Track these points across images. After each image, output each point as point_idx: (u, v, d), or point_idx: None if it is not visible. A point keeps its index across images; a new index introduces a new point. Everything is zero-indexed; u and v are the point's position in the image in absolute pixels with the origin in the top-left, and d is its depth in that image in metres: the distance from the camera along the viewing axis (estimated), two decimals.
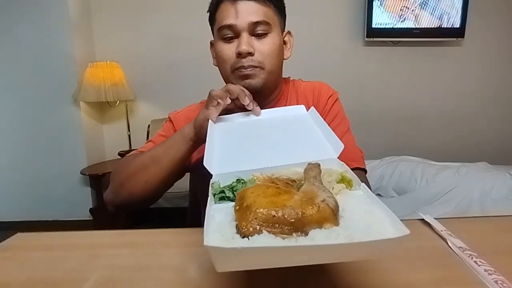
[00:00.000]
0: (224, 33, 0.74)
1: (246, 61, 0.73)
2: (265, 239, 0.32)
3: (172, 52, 2.57)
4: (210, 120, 0.63)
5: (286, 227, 0.34)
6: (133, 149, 2.76)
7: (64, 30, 2.33)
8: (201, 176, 0.60)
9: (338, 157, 0.51)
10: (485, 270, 0.46)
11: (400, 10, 2.40)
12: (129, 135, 2.60)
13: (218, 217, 0.38)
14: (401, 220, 0.33)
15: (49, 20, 2.32)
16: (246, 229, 0.34)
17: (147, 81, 2.61)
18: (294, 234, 0.34)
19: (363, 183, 0.44)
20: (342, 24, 2.54)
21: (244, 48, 0.72)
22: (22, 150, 2.50)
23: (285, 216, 0.34)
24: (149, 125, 2.55)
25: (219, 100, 0.65)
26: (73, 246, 0.61)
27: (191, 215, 1.07)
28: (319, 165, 0.45)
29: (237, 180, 0.46)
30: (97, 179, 2.36)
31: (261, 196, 0.36)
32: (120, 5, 2.53)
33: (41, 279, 0.50)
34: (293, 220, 0.34)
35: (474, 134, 2.67)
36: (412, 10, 2.40)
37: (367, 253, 0.34)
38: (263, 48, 0.74)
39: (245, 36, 0.73)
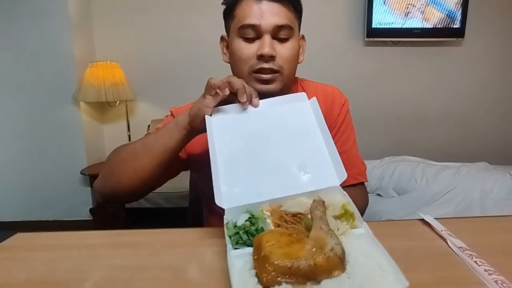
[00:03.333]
0: (246, 32, 0.72)
1: (267, 65, 0.71)
2: None
3: (172, 52, 2.57)
4: (206, 118, 0.60)
5: (301, 278, 0.39)
6: None
7: (64, 30, 2.33)
8: (204, 176, 0.62)
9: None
10: (485, 270, 0.46)
11: (406, 8, 2.39)
12: (129, 135, 2.60)
13: (238, 264, 0.44)
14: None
15: (49, 20, 2.32)
16: (266, 280, 0.39)
17: (147, 81, 2.61)
18: (308, 283, 0.39)
19: (364, 222, 0.49)
20: (342, 24, 2.54)
21: (267, 51, 0.70)
22: (22, 150, 2.50)
23: (300, 268, 0.39)
24: (149, 125, 2.55)
25: (218, 90, 0.62)
26: (73, 246, 0.61)
27: (191, 215, 1.07)
28: (324, 202, 0.49)
29: (249, 218, 0.50)
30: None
31: (276, 247, 0.42)
32: (120, 5, 2.53)
33: (41, 279, 0.50)
34: (306, 271, 0.39)
35: (474, 134, 2.66)
36: (413, 10, 2.40)
37: None
38: (284, 53, 0.73)
39: (268, 38, 0.71)
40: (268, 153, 0.58)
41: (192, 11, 2.49)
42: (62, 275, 0.51)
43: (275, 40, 0.72)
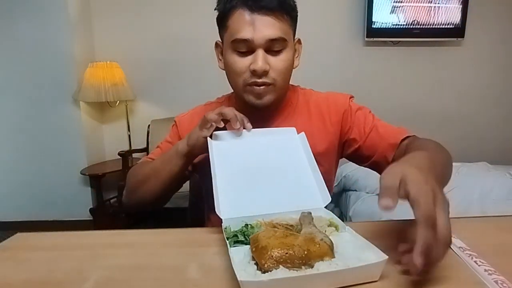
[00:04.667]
0: (239, 46, 0.71)
1: (260, 79, 0.72)
2: (282, 272, 0.42)
3: (172, 52, 2.57)
4: (208, 140, 0.66)
5: (297, 262, 0.43)
6: (133, 149, 2.75)
7: (64, 30, 2.34)
8: (206, 176, 0.65)
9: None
10: (485, 270, 0.46)
11: (406, 7, 2.40)
12: (129, 135, 2.60)
13: (237, 258, 0.47)
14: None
15: (49, 20, 2.32)
16: (266, 266, 0.43)
17: (147, 81, 2.61)
18: (303, 267, 0.43)
19: (347, 226, 0.53)
20: (342, 24, 2.55)
21: (260, 66, 0.70)
22: (22, 150, 2.50)
23: (295, 253, 0.44)
24: (149, 125, 2.55)
25: (213, 123, 0.67)
26: (73, 246, 0.61)
27: (191, 215, 1.07)
28: (311, 213, 0.55)
29: (245, 225, 0.55)
30: (97, 179, 2.36)
31: (273, 239, 0.46)
32: (120, 5, 2.53)
33: (41, 279, 0.50)
34: (301, 256, 0.44)
35: (474, 134, 2.66)
36: (412, 10, 2.40)
37: (360, 275, 0.44)
38: (277, 65, 0.72)
39: (261, 53, 0.70)
40: (262, 176, 0.65)
41: (192, 11, 2.49)
42: (62, 275, 0.51)
43: (268, 53, 0.72)
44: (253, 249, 0.46)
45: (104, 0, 2.53)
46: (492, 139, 2.67)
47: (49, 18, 2.32)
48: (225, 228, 0.54)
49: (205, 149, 0.67)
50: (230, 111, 0.67)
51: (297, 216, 0.57)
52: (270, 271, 0.42)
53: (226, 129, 0.70)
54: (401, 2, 2.39)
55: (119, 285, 0.48)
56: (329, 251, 0.46)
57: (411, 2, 2.38)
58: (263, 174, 0.65)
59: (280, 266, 0.43)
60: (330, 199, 0.63)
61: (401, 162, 0.50)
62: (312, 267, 0.44)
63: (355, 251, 0.48)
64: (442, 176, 0.57)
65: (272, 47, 0.71)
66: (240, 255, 0.48)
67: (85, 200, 2.56)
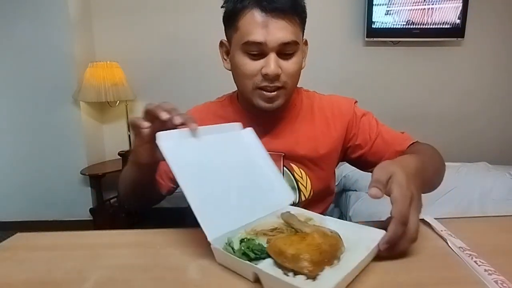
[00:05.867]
0: (250, 48, 0.69)
1: (272, 83, 0.71)
2: (330, 272, 0.43)
3: (172, 52, 2.57)
4: (160, 147, 0.53)
5: (327, 259, 0.45)
6: None
7: (64, 30, 2.33)
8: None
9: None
10: (485, 270, 0.46)
11: (406, 8, 2.40)
12: (129, 135, 2.59)
13: (274, 272, 0.44)
14: None
15: (49, 20, 2.32)
16: (311, 271, 0.42)
17: (147, 81, 2.61)
18: (335, 261, 0.45)
19: (326, 216, 0.58)
20: (342, 24, 2.54)
21: (273, 70, 0.69)
22: (22, 150, 2.50)
23: (326, 250, 0.46)
24: None
25: (141, 130, 0.58)
26: (73, 246, 0.61)
27: (191, 215, 1.07)
28: (289, 211, 0.57)
29: (242, 240, 0.51)
30: (97, 179, 2.36)
31: (296, 243, 0.46)
32: (120, 5, 2.53)
33: (41, 279, 0.50)
34: (330, 251, 0.46)
35: (474, 134, 2.66)
36: (412, 10, 2.40)
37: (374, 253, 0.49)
38: (289, 68, 0.72)
39: (273, 56, 0.69)
40: (227, 182, 0.59)
41: (192, 11, 2.49)
42: (62, 275, 0.51)
43: (280, 56, 0.71)
44: (284, 260, 0.44)
45: (104, 0, 2.53)
46: (492, 139, 2.67)
47: (49, 18, 2.32)
48: (226, 249, 0.49)
49: (149, 156, 0.61)
50: (157, 107, 0.56)
51: (272, 218, 0.57)
52: (318, 274, 0.42)
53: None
54: (402, 2, 2.39)
55: (119, 285, 0.48)
56: (340, 240, 0.49)
57: (411, 2, 2.38)
58: (227, 179, 0.59)
59: (325, 267, 0.44)
60: (293, 195, 0.64)
61: (394, 161, 0.55)
62: (339, 260, 0.46)
63: (354, 235, 0.51)
64: (429, 181, 0.61)
65: (284, 50, 0.70)
66: (274, 270, 0.45)
67: (85, 200, 2.56)
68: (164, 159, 0.53)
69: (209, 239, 0.50)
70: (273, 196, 0.62)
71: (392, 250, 0.48)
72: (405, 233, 0.47)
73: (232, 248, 0.49)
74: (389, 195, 0.48)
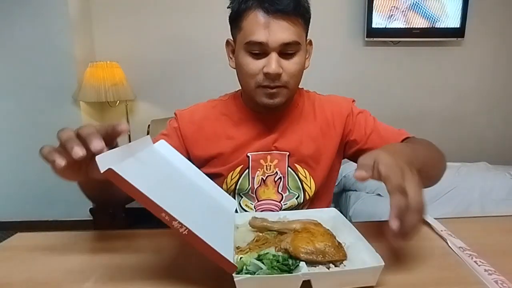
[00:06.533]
0: (252, 48, 0.72)
1: (273, 82, 0.72)
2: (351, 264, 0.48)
3: (172, 52, 2.57)
4: (114, 169, 0.43)
5: (337, 241, 0.50)
6: None
7: (64, 30, 2.33)
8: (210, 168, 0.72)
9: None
10: (485, 270, 0.46)
11: (406, 7, 2.39)
12: (129, 135, 2.59)
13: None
14: None
15: (49, 20, 2.32)
16: (345, 256, 0.48)
17: (147, 81, 2.61)
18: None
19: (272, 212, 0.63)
20: (342, 24, 2.54)
21: (274, 69, 0.70)
22: (22, 150, 2.50)
23: (332, 235, 0.51)
24: (149, 125, 2.55)
25: (55, 163, 0.51)
26: (73, 246, 0.61)
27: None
28: (255, 217, 0.58)
29: (258, 261, 0.46)
30: None
31: (311, 239, 0.49)
32: (120, 5, 2.52)
33: (41, 279, 0.50)
34: (332, 234, 0.51)
35: (474, 134, 2.66)
36: (412, 10, 2.40)
37: (358, 279, 0.46)
38: (290, 68, 0.73)
39: (274, 56, 0.71)
40: (184, 195, 0.54)
41: (192, 11, 2.49)
42: (62, 275, 0.51)
43: (281, 56, 0.72)
44: (315, 259, 0.47)
45: (104, 0, 2.53)
46: (492, 139, 2.67)
47: (49, 18, 2.32)
48: (259, 272, 0.45)
49: (84, 177, 0.56)
50: (67, 141, 0.50)
51: (244, 232, 0.56)
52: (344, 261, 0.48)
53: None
54: (403, 2, 2.39)
55: (119, 285, 0.48)
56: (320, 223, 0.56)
57: (411, 2, 2.38)
58: (184, 194, 0.54)
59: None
60: (236, 203, 0.66)
61: (379, 149, 0.55)
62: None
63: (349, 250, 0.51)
64: (423, 166, 0.56)
65: (286, 50, 0.72)
66: (319, 270, 0.45)
67: (85, 200, 2.49)
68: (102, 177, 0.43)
69: (233, 274, 0.43)
70: (225, 205, 0.61)
71: (404, 228, 0.43)
72: (407, 203, 0.43)
73: (257, 270, 0.45)
74: (378, 179, 0.47)
